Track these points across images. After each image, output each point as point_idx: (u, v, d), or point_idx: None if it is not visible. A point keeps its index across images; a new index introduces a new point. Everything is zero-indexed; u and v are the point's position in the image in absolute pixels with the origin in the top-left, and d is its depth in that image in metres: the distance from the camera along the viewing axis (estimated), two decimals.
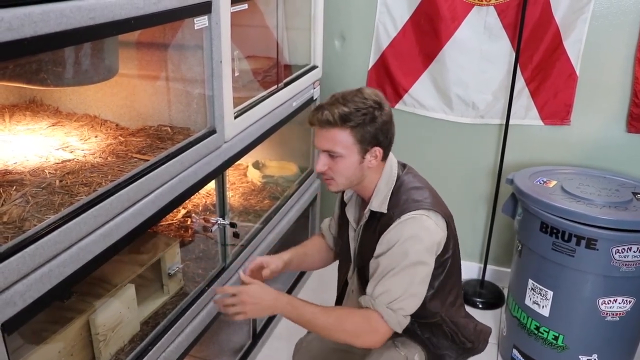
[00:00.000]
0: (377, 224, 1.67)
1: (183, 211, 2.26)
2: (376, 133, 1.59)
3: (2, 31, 1.02)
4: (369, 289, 1.64)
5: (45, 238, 1.24)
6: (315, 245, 1.99)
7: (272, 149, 2.84)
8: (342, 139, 1.57)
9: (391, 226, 1.61)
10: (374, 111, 1.57)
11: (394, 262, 1.59)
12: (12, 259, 1.16)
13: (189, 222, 2.21)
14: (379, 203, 1.66)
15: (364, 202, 1.76)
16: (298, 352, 2.14)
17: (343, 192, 1.84)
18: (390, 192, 1.67)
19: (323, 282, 3.12)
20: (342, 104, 1.56)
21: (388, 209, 1.64)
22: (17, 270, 1.18)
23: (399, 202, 1.64)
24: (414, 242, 1.58)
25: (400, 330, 1.62)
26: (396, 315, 1.59)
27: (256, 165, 2.78)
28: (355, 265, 1.81)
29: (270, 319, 2.71)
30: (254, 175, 2.72)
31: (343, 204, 1.84)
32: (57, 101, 2.05)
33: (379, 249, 1.63)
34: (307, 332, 2.34)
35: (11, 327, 1.19)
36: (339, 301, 1.94)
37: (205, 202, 2.33)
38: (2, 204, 1.36)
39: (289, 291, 2.94)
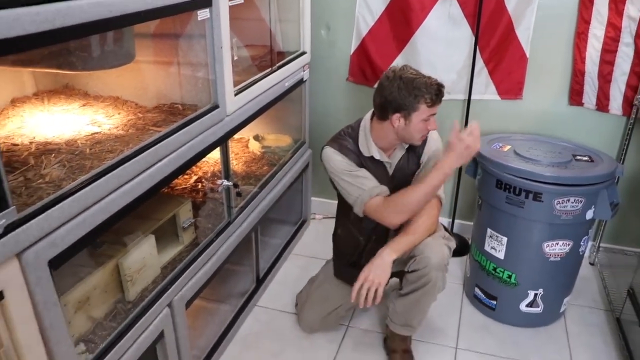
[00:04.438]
0: (413, 149, 2.05)
1: (194, 177, 2.32)
2: None
3: (39, 23, 1.08)
4: None
5: (79, 193, 1.30)
6: None
7: (269, 124, 2.89)
8: None
9: (429, 141, 2.05)
10: None
11: (435, 162, 1.98)
12: (53, 208, 1.23)
13: (199, 186, 2.27)
14: None
15: (397, 148, 2.06)
16: (309, 301, 2.35)
17: (359, 163, 2.04)
18: None
19: (319, 234, 3.23)
20: None
21: None
22: (58, 218, 1.25)
23: None
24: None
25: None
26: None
27: (256, 138, 2.83)
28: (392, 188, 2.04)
29: (272, 267, 2.79)
30: (255, 147, 2.77)
31: (365, 163, 2.05)
32: (86, 86, 2.09)
33: (425, 157, 2.05)
34: (307, 283, 2.48)
35: (56, 264, 1.26)
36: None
37: (213, 169, 2.38)
38: (45, 168, 1.42)
39: (288, 243, 3.03)
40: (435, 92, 1.86)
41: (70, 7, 1.19)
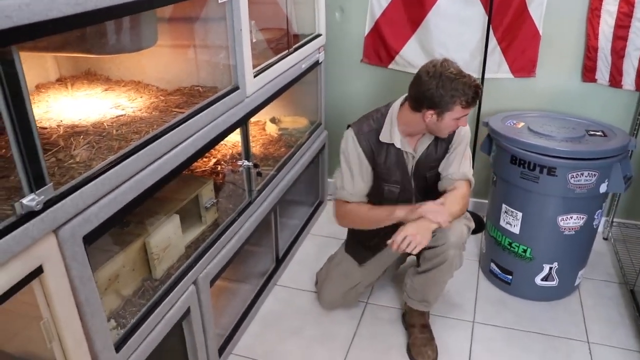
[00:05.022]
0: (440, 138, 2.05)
1: (214, 160, 2.34)
2: None
3: (72, 5, 1.11)
4: (453, 170, 2.06)
5: (109, 172, 1.33)
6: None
7: (286, 106, 2.90)
8: None
9: (458, 129, 2.03)
10: None
11: (465, 145, 2.07)
12: (86, 187, 1.26)
13: (219, 169, 2.29)
14: None
15: (425, 135, 2.07)
16: (329, 278, 2.38)
17: (370, 151, 2.07)
18: None
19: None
20: None
21: None
22: (91, 196, 1.28)
23: None
24: None
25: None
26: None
27: (273, 121, 2.85)
28: (415, 179, 2.11)
29: (290, 247, 2.83)
30: (272, 129, 2.79)
31: (377, 157, 2.07)
32: (108, 71, 2.11)
33: (455, 142, 2.06)
34: (326, 261, 2.50)
35: (89, 239, 1.29)
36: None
37: (232, 152, 2.41)
38: (74, 149, 1.45)
39: (306, 223, 3.06)
40: (472, 94, 1.85)
41: None
